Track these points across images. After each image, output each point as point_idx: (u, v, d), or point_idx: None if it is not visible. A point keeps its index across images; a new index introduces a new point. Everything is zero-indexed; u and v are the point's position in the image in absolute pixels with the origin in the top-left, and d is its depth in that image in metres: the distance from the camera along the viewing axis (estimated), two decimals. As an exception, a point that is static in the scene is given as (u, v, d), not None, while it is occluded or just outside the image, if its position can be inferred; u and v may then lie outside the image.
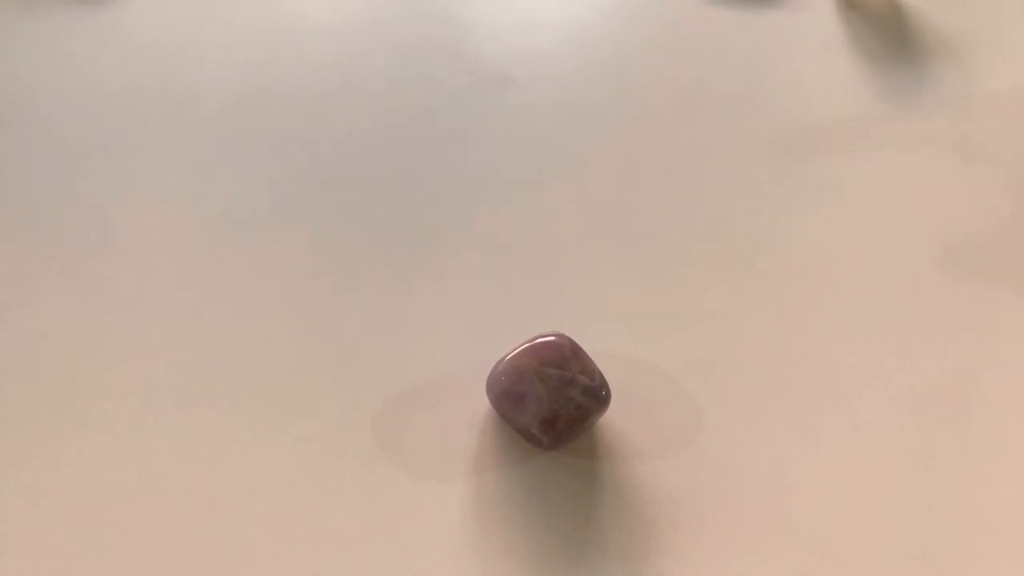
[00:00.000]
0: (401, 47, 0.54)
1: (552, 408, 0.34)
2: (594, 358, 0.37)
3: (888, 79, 0.53)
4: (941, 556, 0.34)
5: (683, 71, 0.53)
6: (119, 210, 0.45)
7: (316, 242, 0.44)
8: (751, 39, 0.55)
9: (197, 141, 0.48)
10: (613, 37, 0.55)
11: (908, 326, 0.41)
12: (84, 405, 0.37)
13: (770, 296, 0.42)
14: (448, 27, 0.55)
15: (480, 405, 0.38)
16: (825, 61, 0.54)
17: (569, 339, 0.36)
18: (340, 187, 0.46)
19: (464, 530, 0.35)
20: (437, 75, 0.52)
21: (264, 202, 0.45)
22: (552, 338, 0.36)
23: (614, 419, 0.37)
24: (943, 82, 0.53)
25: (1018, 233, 0.45)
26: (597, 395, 0.35)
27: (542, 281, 0.42)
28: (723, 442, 0.37)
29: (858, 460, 0.37)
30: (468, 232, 0.44)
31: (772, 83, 0.53)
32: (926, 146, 0.49)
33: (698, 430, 0.38)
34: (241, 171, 0.47)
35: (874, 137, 0.50)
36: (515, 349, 0.36)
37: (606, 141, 0.49)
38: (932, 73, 0.54)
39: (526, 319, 0.41)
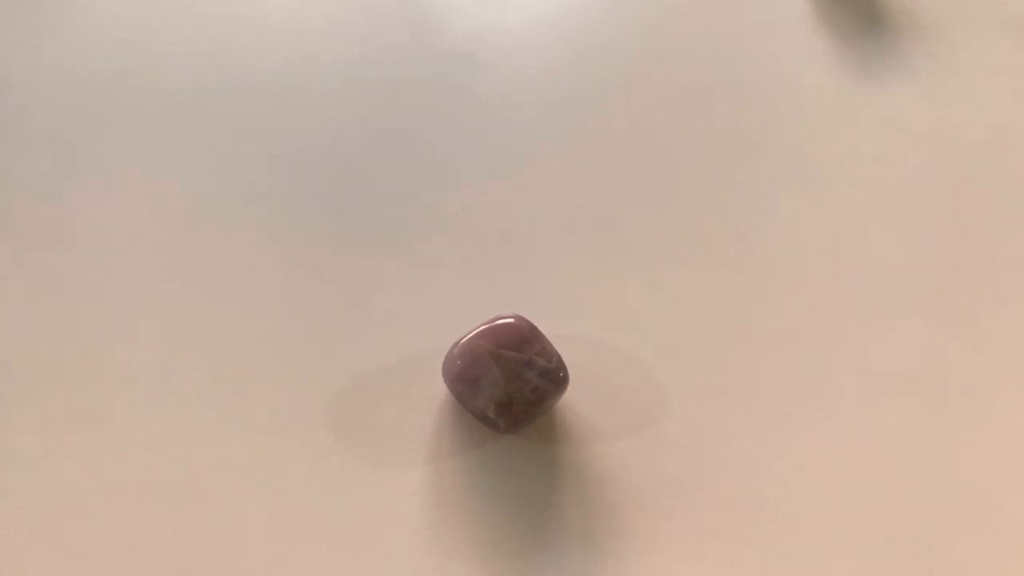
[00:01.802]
0: (363, 27, 0.53)
1: (508, 391, 0.34)
2: (555, 341, 0.36)
3: (860, 58, 0.52)
4: (915, 539, 0.34)
5: (653, 51, 0.52)
6: (75, 199, 0.44)
7: (272, 228, 0.43)
8: (722, 19, 0.55)
9: (156, 126, 0.47)
10: (581, 16, 0.54)
11: (882, 310, 0.41)
12: (38, 397, 0.37)
13: (738, 278, 0.42)
14: (411, 5, 0.54)
15: (437, 390, 0.37)
16: (795, 39, 0.53)
17: (527, 321, 0.35)
18: (298, 171, 0.45)
19: (422, 515, 0.34)
20: (399, 56, 0.51)
21: (222, 188, 0.44)
22: (510, 320, 0.35)
23: (573, 402, 0.37)
24: (915, 61, 0.53)
25: (993, 215, 0.45)
26: (554, 377, 0.34)
27: (504, 264, 0.42)
28: (686, 425, 0.37)
29: (826, 443, 0.36)
30: (428, 215, 0.44)
31: (743, 63, 0.52)
32: (899, 126, 0.49)
33: (660, 413, 0.37)
34: (198, 157, 0.46)
35: (846, 118, 0.49)
36: (471, 331, 0.35)
37: (572, 123, 0.48)
38: (904, 52, 0.53)
39: (487, 303, 0.40)
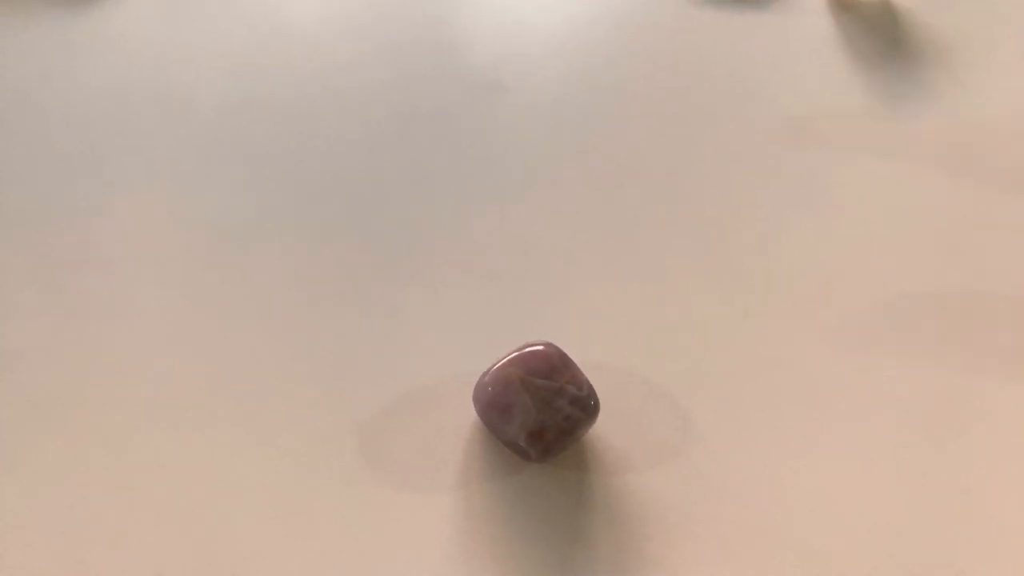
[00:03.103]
0: (390, 55, 0.53)
1: (539, 420, 0.33)
2: (583, 368, 0.36)
3: (880, 82, 0.53)
4: (935, 566, 0.34)
5: (673, 75, 0.53)
6: (103, 219, 0.44)
7: (302, 252, 0.43)
8: (741, 41, 0.55)
9: (182, 149, 0.47)
10: (603, 42, 0.54)
11: (901, 334, 0.41)
12: (64, 420, 0.37)
13: (760, 305, 0.42)
14: (437, 34, 0.55)
15: (467, 417, 0.37)
16: (817, 63, 0.54)
17: (557, 348, 0.35)
18: (326, 196, 0.46)
19: (451, 544, 0.34)
20: (426, 83, 0.52)
21: (249, 212, 0.45)
22: (540, 347, 0.35)
23: (603, 430, 0.37)
24: (935, 85, 0.53)
25: (1009, 239, 0.45)
26: (585, 406, 0.34)
27: (532, 290, 0.42)
28: (713, 452, 0.37)
29: (851, 470, 0.36)
30: (457, 241, 0.44)
31: (763, 86, 0.52)
32: (918, 149, 0.49)
33: (688, 440, 0.37)
34: (226, 180, 0.46)
35: (866, 141, 0.49)
36: (502, 359, 0.35)
37: (596, 148, 0.48)
38: (924, 75, 0.53)
39: (515, 329, 0.40)
